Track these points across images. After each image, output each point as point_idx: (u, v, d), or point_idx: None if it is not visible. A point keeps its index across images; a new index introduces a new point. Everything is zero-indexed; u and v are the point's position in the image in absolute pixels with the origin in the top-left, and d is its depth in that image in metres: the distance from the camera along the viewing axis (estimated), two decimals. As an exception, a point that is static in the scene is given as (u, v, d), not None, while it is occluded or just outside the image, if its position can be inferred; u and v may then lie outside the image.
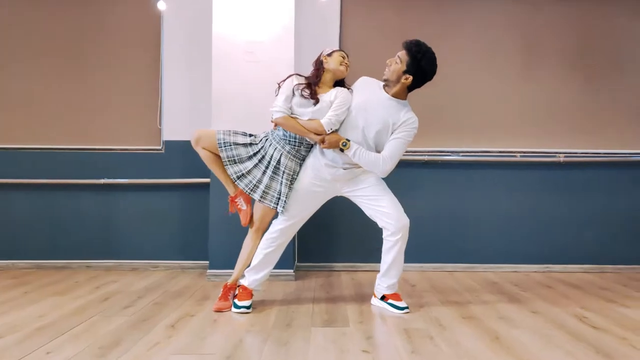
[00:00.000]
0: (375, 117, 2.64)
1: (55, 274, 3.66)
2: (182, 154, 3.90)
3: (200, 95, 3.86)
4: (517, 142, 3.98)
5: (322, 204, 2.85)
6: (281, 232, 2.77)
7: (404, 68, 2.59)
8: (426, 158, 3.92)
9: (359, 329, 2.43)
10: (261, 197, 2.69)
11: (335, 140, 2.63)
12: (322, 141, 2.63)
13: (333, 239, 3.91)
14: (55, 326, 2.41)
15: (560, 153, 3.94)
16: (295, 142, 2.71)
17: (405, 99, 2.71)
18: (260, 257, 2.79)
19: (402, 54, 2.62)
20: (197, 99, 3.88)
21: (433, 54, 2.62)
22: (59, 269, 3.83)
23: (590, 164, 3.95)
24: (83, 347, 2.12)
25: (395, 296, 2.79)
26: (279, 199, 2.69)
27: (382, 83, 2.72)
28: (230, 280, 2.84)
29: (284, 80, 2.73)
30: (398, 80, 2.63)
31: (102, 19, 3.95)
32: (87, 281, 3.45)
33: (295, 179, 2.74)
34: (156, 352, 2.07)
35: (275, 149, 2.71)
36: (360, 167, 2.71)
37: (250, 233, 2.84)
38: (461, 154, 3.96)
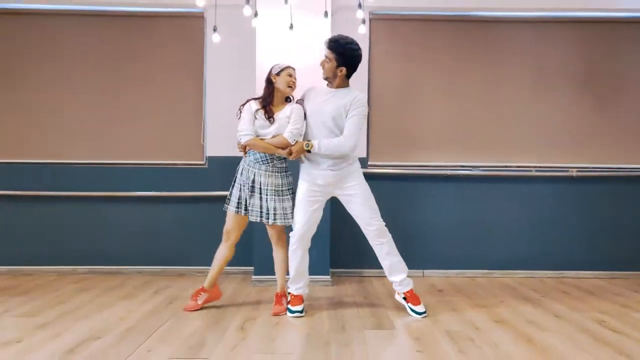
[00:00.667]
0: (328, 109, 2.96)
1: (112, 279, 3.96)
2: (223, 168, 4.18)
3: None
4: (532, 158, 4.32)
5: (322, 208, 3.14)
6: (299, 242, 3.09)
7: (335, 64, 2.95)
8: (448, 172, 4.25)
9: (405, 331, 2.76)
10: (272, 219, 3.04)
11: (299, 148, 2.94)
12: (290, 153, 2.95)
13: (363, 247, 4.22)
14: (140, 328, 2.72)
15: (572, 168, 4.28)
16: (266, 159, 3.02)
17: (348, 85, 3.05)
18: (293, 270, 3.12)
19: (328, 53, 2.97)
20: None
21: (352, 42, 2.96)
22: (113, 274, 4.13)
23: (601, 178, 4.29)
24: (175, 347, 2.43)
25: (414, 299, 3.07)
26: (284, 214, 3.04)
27: (325, 83, 3.08)
28: (278, 289, 3.17)
29: (244, 105, 3.07)
30: (335, 75, 2.99)
31: (150, 42, 4.25)
32: (143, 286, 3.76)
33: (283, 191, 3.06)
34: (239, 352, 2.39)
35: (255, 173, 3.04)
36: (343, 165, 2.99)
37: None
38: (481, 168, 4.29)
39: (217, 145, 4.23)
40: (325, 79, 3.06)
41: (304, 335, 2.69)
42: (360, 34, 3.59)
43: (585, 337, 2.68)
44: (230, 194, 3.11)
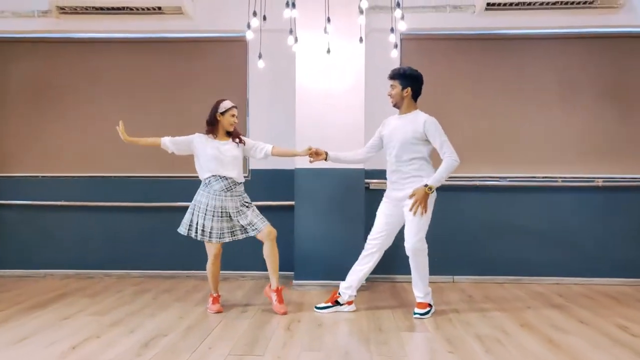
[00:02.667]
0: (397, 137, 3.34)
1: (165, 283, 4.35)
2: (265, 181, 4.55)
3: (281, 131, 4.49)
4: (558, 169, 4.50)
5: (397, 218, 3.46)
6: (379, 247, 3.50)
7: (400, 87, 3.35)
8: (478, 183, 4.48)
9: (437, 333, 3.01)
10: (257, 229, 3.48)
11: (424, 195, 3.22)
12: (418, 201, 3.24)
13: (394, 254, 4.49)
14: (199, 327, 3.07)
15: (598, 178, 4.45)
16: (230, 187, 3.44)
17: (415, 108, 3.40)
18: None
19: (392, 81, 3.39)
20: (279, 134, 4.51)
21: (411, 67, 3.41)
22: (167, 278, 4.53)
23: (626, 188, 4.45)
24: (233, 344, 2.76)
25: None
26: (260, 219, 3.53)
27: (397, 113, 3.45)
28: (277, 284, 3.52)
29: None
30: (402, 98, 3.37)
31: (196, 66, 4.65)
32: (194, 289, 4.13)
33: (247, 204, 3.54)
34: (290, 350, 2.70)
35: (222, 200, 3.42)
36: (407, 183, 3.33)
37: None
38: (509, 179, 4.50)
39: (259, 160, 4.55)
40: (395, 106, 3.43)
41: (347, 335, 2.98)
42: (392, 57, 3.87)
43: (606, 340, 2.89)
44: (203, 226, 3.43)
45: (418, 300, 3.39)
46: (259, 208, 4.51)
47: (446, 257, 4.36)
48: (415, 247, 3.27)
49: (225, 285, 4.24)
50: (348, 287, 3.49)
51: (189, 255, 4.56)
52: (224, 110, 3.46)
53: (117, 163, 4.66)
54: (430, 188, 3.22)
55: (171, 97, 4.66)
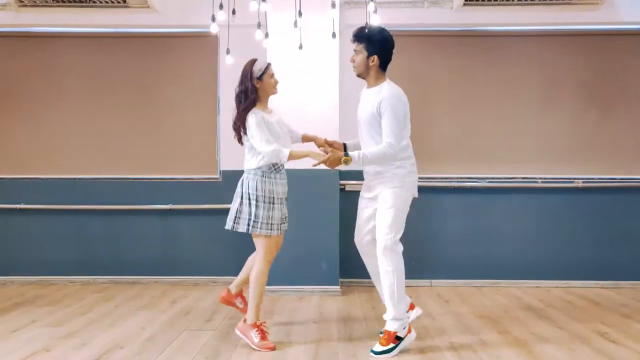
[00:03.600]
0: (360, 116, 2.81)
1: (131, 289, 4.15)
2: (237, 182, 4.34)
3: (254, 129, 4.32)
4: (538, 169, 4.40)
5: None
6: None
7: (366, 53, 2.72)
8: (456, 184, 4.36)
9: (411, 344, 2.87)
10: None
11: (336, 158, 2.68)
12: (325, 162, 2.70)
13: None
14: (159, 339, 2.89)
15: (578, 179, 4.36)
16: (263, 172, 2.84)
17: (384, 79, 2.79)
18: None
19: (356, 45, 2.75)
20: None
21: (380, 27, 2.78)
22: (131, 283, 4.32)
23: (606, 189, 4.36)
24: (193, 356, 2.59)
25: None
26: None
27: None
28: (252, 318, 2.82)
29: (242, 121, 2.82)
30: (367, 67, 2.74)
31: (165, 63, 4.45)
32: (161, 295, 3.94)
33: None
34: (252, 363, 2.54)
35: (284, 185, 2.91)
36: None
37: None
38: (488, 180, 4.39)
39: (230, 160, 4.40)
40: (358, 75, 2.83)
41: (315, 342, 2.83)
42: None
43: (584, 347, 2.78)
44: (270, 218, 2.81)
45: (385, 326, 2.71)
46: (228, 210, 4.36)
47: (423, 260, 4.24)
48: (385, 246, 2.67)
49: (196, 292, 4.07)
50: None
51: (158, 259, 4.39)
52: (260, 72, 2.80)
53: (82, 164, 4.45)
54: (347, 161, 2.65)
55: (139, 93, 4.46)
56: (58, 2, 4.09)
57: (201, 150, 4.45)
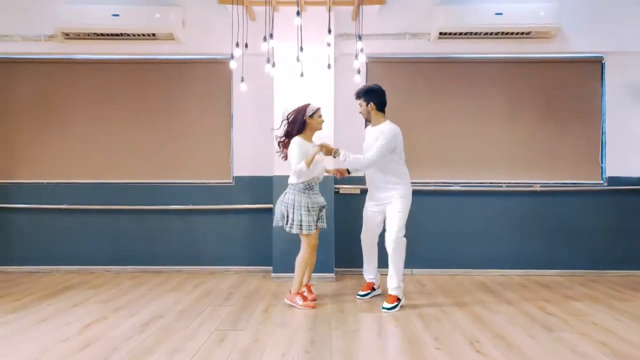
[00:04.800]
0: (366, 147, 3.94)
1: (158, 277, 4.92)
2: (247, 186, 5.15)
3: (261, 141, 5.09)
4: (503, 175, 5.19)
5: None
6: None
7: (365, 103, 3.91)
8: (433, 188, 5.15)
9: (389, 313, 3.65)
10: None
11: (330, 148, 3.76)
12: (321, 147, 3.75)
13: (362, 250, 5.13)
14: (190, 311, 3.66)
15: (536, 183, 5.14)
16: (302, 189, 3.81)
17: (384, 119, 3.94)
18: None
19: (358, 100, 3.95)
20: (260, 144, 5.12)
21: (371, 84, 4.01)
22: (157, 272, 5.10)
23: (559, 192, 5.15)
24: (218, 323, 3.37)
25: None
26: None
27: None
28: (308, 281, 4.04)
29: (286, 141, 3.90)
30: (368, 112, 3.93)
31: (190, 90, 5.23)
32: (184, 281, 4.71)
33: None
34: (266, 325, 3.32)
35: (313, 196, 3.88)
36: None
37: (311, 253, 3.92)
38: (460, 184, 5.17)
39: (241, 167, 5.18)
40: (367, 120, 4.02)
41: (312, 315, 3.60)
42: (356, 81, 4.50)
43: (523, 317, 3.56)
44: (308, 221, 3.77)
45: (389, 292, 3.82)
46: (242, 210, 5.16)
47: (406, 252, 4.99)
48: (397, 237, 3.77)
49: (212, 279, 4.83)
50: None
51: (180, 252, 5.16)
52: (312, 112, 3.79)
53: (116, 171, 5.22)
54: (336, 152, 3.73)
55: (165, 111, 5.23)
56: (98, 35, 4.86)
57: (217, 159, 5.23)
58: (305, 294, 3.94)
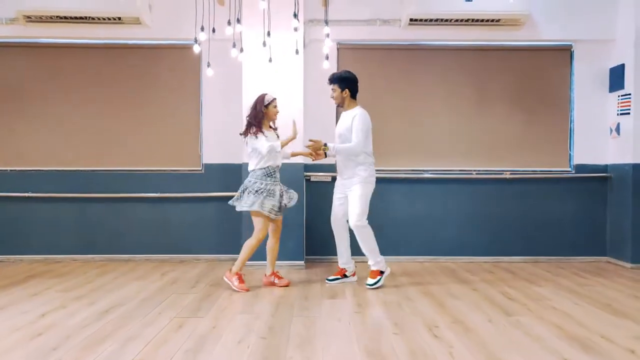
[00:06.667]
0: (337, 130, 4.12)
1: (126, 265, 4.86)
2: (217, 174, 5.10)
3: (231, 128, 5.03)
4: (473, 163, 5.22)
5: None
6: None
7: (339, 89, 4.03)
8: (403, 176, 5.15)
9: (352, 300, 3.65)
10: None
11: (318, 147, 3.96)
12: (311, 152, 4.02)
13: (332, 238, 5.12)
14: (152, 299, 3.62)
15: (506, 171, 5.18)
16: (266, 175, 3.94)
17: (356, 104, 4.07)
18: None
19: (332, 85, 4.05)
20: (229, 131, 5.06)
21: (344, 71, 4.12)
22: (126, 261, 5.04)
23: (529, 180, 5.19)
24: (179, 311, 3.34)
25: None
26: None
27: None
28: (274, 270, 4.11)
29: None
30: (343, 98, 4.05)
31: (156, 71, 5.14)
32: (153, 270, 4.66)
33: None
34: (227, 313, 3.29)
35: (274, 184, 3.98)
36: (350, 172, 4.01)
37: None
38: (430, 172, 5.19)
39: (211, 155, 5.12)
40: (338, 105, 4.15)
41: (276, 302, 3.59)
42: (324, 68, 4.46)
43: (486, 303, 3.59)
44: (262, 204, 3.87)
45: (369, 268, 4.03)
46: (213, 198, 5.10)
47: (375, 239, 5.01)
48: (357, 224, 3.91)
49: (182, 267, 4.79)
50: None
51: (149, 240, 5.10)
52: (268, 102, 3.91)
53: (81, 158, 5.12)
54: (325, 149, 3.95)
55: (132, 97, 5.14)
56: (61, 18, 4.73)
57: (186, 147, 5.16)
58: (274, 280, 4.06)
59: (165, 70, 5.14)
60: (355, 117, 3.94)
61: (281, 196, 3.97)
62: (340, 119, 4.17)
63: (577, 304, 3.55)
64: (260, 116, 3.91)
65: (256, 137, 3.87)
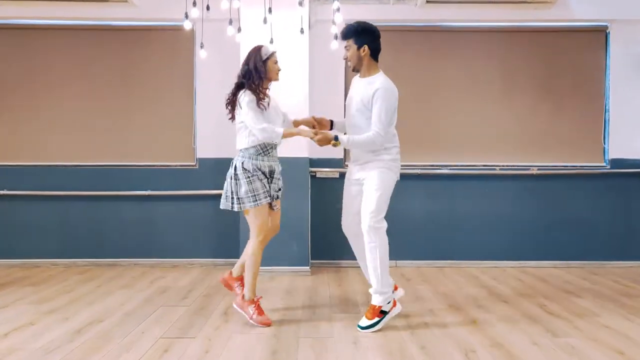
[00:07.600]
0: (353, 103, 2.95)
1: (112, 270, 4.37)
2: (212, 169, 4.59)
3: (226, 122, 4.51)
4: (497, 158, 4.71)
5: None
6: None
7: (356, 46, 2.90)
8: (419, 171, 4.65)
9: (366, 333, 3.12)
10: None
11: (325, 139, 2.86)
12: (316, 134, 2.89)
13: (341, 239, 4.62)
14: (137, 313, 3.13)
15: (533, 166, 4.68)
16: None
17: (377, 70, 2.97)
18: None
19: (346, 42, 2.94)
20: (226, 122, 4.52)
21: (360, 22, 2.97)
22: (112, 266, 4.54)
23: (559, 176, 4.69)
24: (166, 329, 2.84)
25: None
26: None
27: (356, 74, 3.04)
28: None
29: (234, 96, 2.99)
30: (360, 58, 2.91)
31: (147, 60, 4.64)
32: (141, 276, 4.17)
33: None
34: (222, 331, 2.80)
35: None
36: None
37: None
38: (449, 167, 4.68)
39: (206, 148, 4.62)
40: (354, 69, 3.00)
41: (277, 319, 3.09)
42: (332, 48, 3.95)
43: (523, 318, 3.09)
44: (253, 190, 2.89)
45: (370, 301, 2.93)
46: (208, 196, 4.60)
47: (389, 242, 4.48)
48: (371, 225, 2.88)
49: (174, 273, 4.30)
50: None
51: (138, 243, 4.60)
52: (266, 56, 2.91)
53: (62, 152, 4.63)
54: (336, 145, 2.86)
55: (119, 84, 4.64)
56: (38, -5, 4.23)
57: (179, 139, 4.66)
58: (237, 289, 3.08)
59: (156, 54, 4.63)
60: (377, 93, 2.82)
61: (277, 179, 3.02)
62: (353, 85, 3.03)
63: (631, 320, 3.05)
64: (257, 76, 2.87)
65: (248, 107, 2.83)
